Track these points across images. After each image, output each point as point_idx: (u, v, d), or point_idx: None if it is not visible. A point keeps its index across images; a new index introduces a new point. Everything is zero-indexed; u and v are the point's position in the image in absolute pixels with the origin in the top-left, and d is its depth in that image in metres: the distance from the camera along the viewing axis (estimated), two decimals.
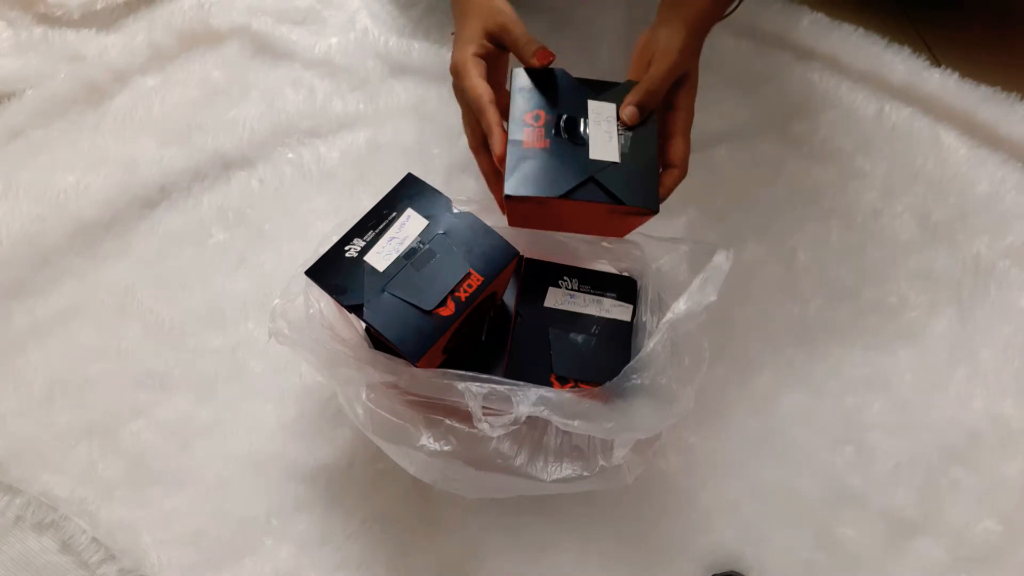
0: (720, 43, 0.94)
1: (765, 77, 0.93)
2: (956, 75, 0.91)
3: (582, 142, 0.63)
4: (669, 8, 0.66)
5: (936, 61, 0.94)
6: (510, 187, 0.61)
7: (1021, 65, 0.95)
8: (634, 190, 0.63)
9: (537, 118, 0.64)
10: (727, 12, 0.73)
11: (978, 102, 0.90)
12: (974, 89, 0.91)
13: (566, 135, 0.63)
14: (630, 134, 0.64)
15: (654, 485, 0.74)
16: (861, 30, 0.94)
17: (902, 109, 0.91)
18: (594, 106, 0.65)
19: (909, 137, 0.89)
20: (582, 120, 0.64)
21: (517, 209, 0.64)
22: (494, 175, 0.68)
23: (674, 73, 0.64)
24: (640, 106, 0.63)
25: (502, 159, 0.62)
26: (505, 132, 0.64)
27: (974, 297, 0.82)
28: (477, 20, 0.66)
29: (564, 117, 0.64)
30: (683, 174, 0.66)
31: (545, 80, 0.66)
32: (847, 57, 0.93)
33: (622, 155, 0.63)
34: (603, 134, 0.64)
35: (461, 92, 0.66)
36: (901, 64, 0.92)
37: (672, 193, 0.66)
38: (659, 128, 0.66)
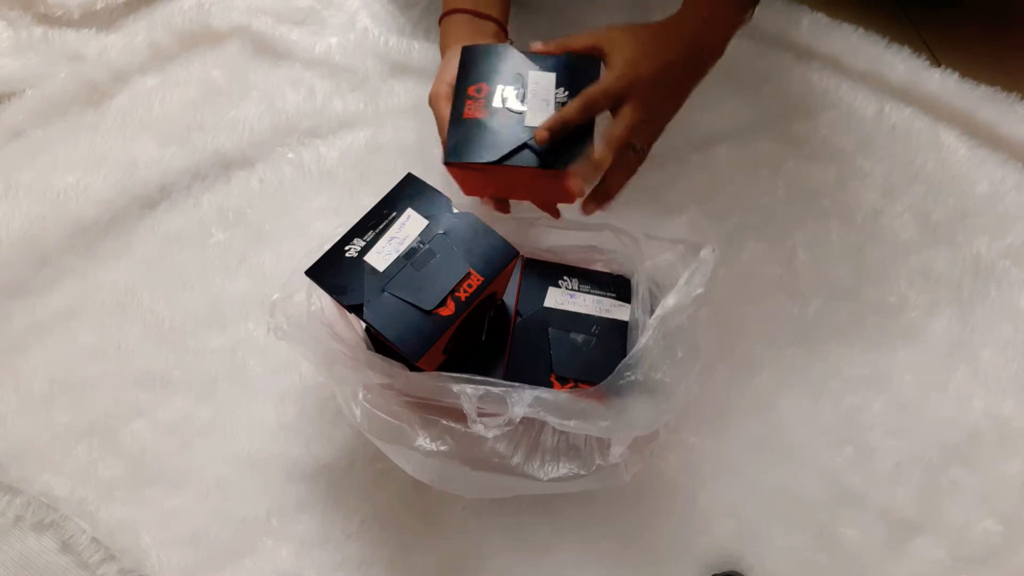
0: None
1: (765, 77, 0.93)
2: (956, 75, 0.91)
3: (519, 111, 0.65)
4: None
5: (936, 61, 0.94)
6: (446, 154, 0.64)
7: (1021, 65, 0.95)
8: (550, 154, 0.64)
9: (479, 90, 0.66)
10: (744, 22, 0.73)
11: (978, 102, 0.89)
12: (974, 89, 0.90)
13: (504, 105, 0.65)
14: (566, 102, 0.65)
15: (654, 485, 0.74)
16: (861, 30, 0.94)
17: (902, 109, 0.90)
18: (534, 76, 0.66)
19: (909, 137, 0.89)
20: (520, 90, 0.66)
21: (462, 177, 0.66)
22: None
23: (600, 103, 0.64)
24: (550, 131, 0.62)
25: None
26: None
27: (974, 297, 0.82)
28: (454, 59, 0.69)
29: (504, 88, 0.66)
30: (642, 160, 0.67)
31: (489, 55, 0.67)
32: (847, 57, 0.92)
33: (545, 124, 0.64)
34: (540, 102, 0.65)
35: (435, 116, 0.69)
36: (901, 64, 0.92)
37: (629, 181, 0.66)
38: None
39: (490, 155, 0.64)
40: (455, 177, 0.67)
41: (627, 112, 0.64)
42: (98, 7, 0.96)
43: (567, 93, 0.66)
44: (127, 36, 0.95)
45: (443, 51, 0.74)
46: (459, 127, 0.65)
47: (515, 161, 0.64)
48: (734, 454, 0.76)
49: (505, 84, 0.66)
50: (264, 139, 0.89)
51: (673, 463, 0.75)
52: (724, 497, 0.75)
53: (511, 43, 0.68)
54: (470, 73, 0.67)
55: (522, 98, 0.66)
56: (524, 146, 0.64)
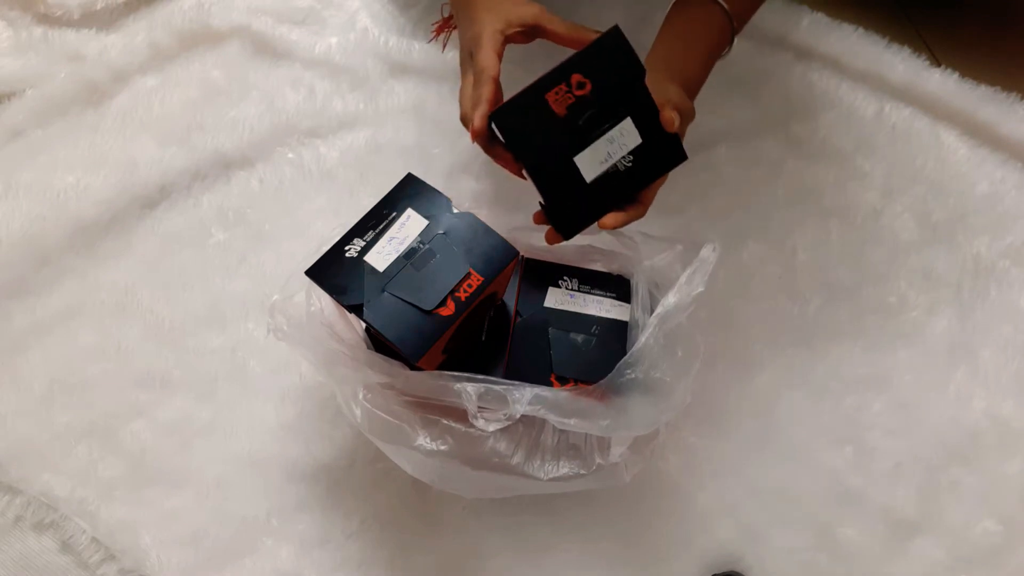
0: None
1: (765, 77, 0.93)
2: (956, 75, 0.91)
3: (585, 141, 0.61)
4: (664, 74, 0.66)
5: (936, 61, 0.94)
6: (498, 116, 0.60)
7: (1021, 65, 0.95)
8: (566, 212, 0.63)
9: (581, 85, 0.60)
10: (722, 55, 0.73)
11: (978, 102, 0.89)
12: (974, 89, 0.90)
13: (582, 122, 0.61)
14: (621, 172, 0.62)
15: (654, 485, 0.74)
16: (861, 30, 0.94)
17: (902, 109, 0.90)
18: (626, 126, 0.61)
19: (909, 137, 0.89)
20: (607, 123, 0.61)
21: (493, 139, 0.63)
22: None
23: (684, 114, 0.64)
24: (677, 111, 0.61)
25: (478, 133, 0.60)
26: (487, 112, 0.61)
27: (974, 297, 0.82)
28: (511, 7, 0.64)
29: (596, 111, 0.60)
30: (641, 214, 0.65)
31: (623, 63, 0.60)
32: (847, 57, 0.92)
33: (595, 181, 0.62)
34: (604, 152, 0.61)
35: (470, 61, 0.64)
36: (901, 64, 0.92)
37: (622, 226, 0.65)
38: None
39: (527, 156, 0.61)
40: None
41: None
42: (98, 7, 0.96)
43: (630, 165, 0.62)
44: (127, 36, 0.95)
45: (478, 6, 0.65)
46: (529, 104, 0.59)
47: (537, 181, 0.62)
48: (734, 454, 0.76)
49: (603, 105, 0.60)
50: (264, 139, 0.89)
51: (673, 463, 0.75)
52: (724, 497, 0.75)
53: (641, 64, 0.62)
54: (592, 60, 0.60)
55: (600, 131, 0.61)
56: (555, 170, 0.61)
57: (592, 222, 0.64)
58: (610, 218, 0.63)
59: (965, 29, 1.00)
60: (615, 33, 0.60)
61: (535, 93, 0.60)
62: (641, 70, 0.60)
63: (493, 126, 0.61)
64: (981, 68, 0.92)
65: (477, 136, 0.60)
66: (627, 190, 0.63)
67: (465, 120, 0.62)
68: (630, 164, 0.62)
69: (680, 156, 0.63)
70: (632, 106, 0.61)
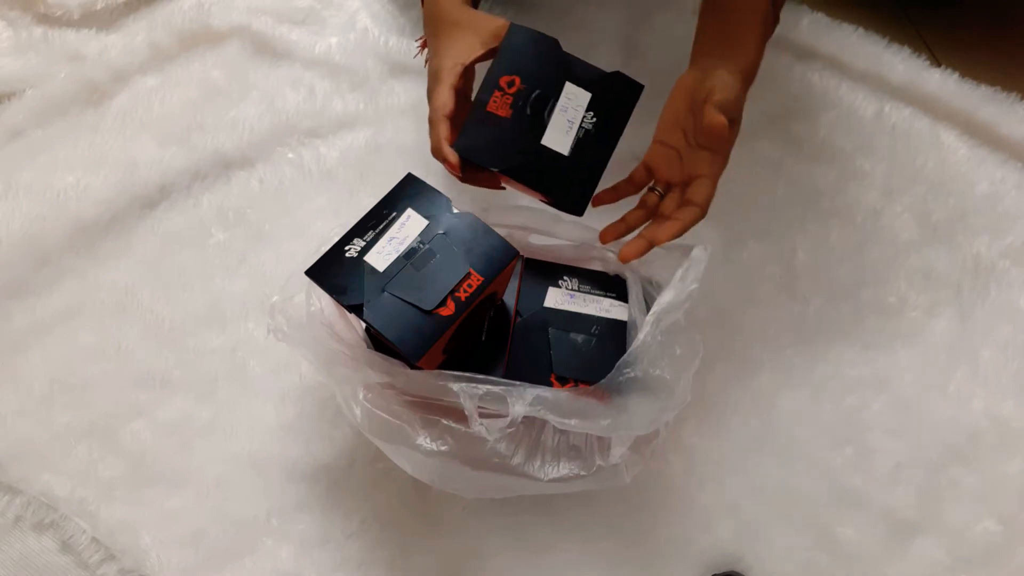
0: None
1: (765, 77, 0.92)
2: (956, 75, 0.91)
3: (542, 123, 0.63)
4: (719, 59, 0.64)
5: (936, 61, 0.94)
6: (459, 147, 0.62)
7: (1021, 65, 0.95)
8: (566, 189, 0.63)
9: (511, 84, 0.63)
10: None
11: (978, 102, 0.90)
12: (974, 89, 0.91)
13: (530, 111, 0.63)
14: (591, 130, 0.63)
15: (654, 485, 0.74)
16: (861, 30, 0.94)
17: (902, 109, 0.90)
18: (569, 90, 0.63)
19: (909, 137, 0.89)
20: (552, 100, 0.63)
21: (466, 166, 0.64)
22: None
23: (731, 112, 0.62)
24: (718, 119, 0.59)
25: (456, 167, 0.62)
26: (451, 143, 0.63)
27: (974, 297, 0.82)
28: (469, 34, 0.65)
29: (536, 93, 0.63)
30: (702, 215, 0.64)
31: (535, 46, 0.64)
32: (847, 57, 0.92)
33: (572, 149, 0.63)
34: (564, 122, 0.63)
35: (430, 96, 0.65)
36: (901, 64, 0.92)
37: (682, 234, 0.64)
38: (692, 168, 0.65)
39: (499, 163, 0.62)
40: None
41: (731, 137, 0.63)
42: (98, 7, 0.96)
43: (594, 120, 0.63)
44: (127, 36, 0.95)
45: (446, 27, 0.66)
46: (478, 121, 0.62)
47: (519, 177, 0.62)
48: (734, 454, 0.76)
49: (540, 87, 0.63)
50: (264, 139, 0.89)
51: (673, 463, 0.75)
52: (724, 497, 0.75)
53: (558, 41, 0.64)
54: (509, 61, 0.63)
55: (550, 110, 0.63)
56: (533, 164, 0.62)
57: (594, 184, 0.64)
58: (663, 232, 0.63)
59: (965, 29, 1.00)
60: (513, 28, 0.63)
61: (479, 112, 0.63)
62: (551, 40, 0.64)
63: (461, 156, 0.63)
64: (981, 68, 0.92)
65: (457, 169, 0.62)
66: (607, 142, 0.64)
67: (436, 157, 0.64)
68: (594, 119, 0.64)
69: (636, 87, 0.65)
70: (562, 71, 0.64)
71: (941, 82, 0.91)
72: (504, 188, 0.67)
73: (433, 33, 0.68)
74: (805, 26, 0.94)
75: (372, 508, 0.74)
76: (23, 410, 0.77)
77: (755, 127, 0.90)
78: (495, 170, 0.63)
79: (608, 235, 0.66)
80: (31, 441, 0.76)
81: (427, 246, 0.61)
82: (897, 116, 0.90)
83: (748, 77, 0.66)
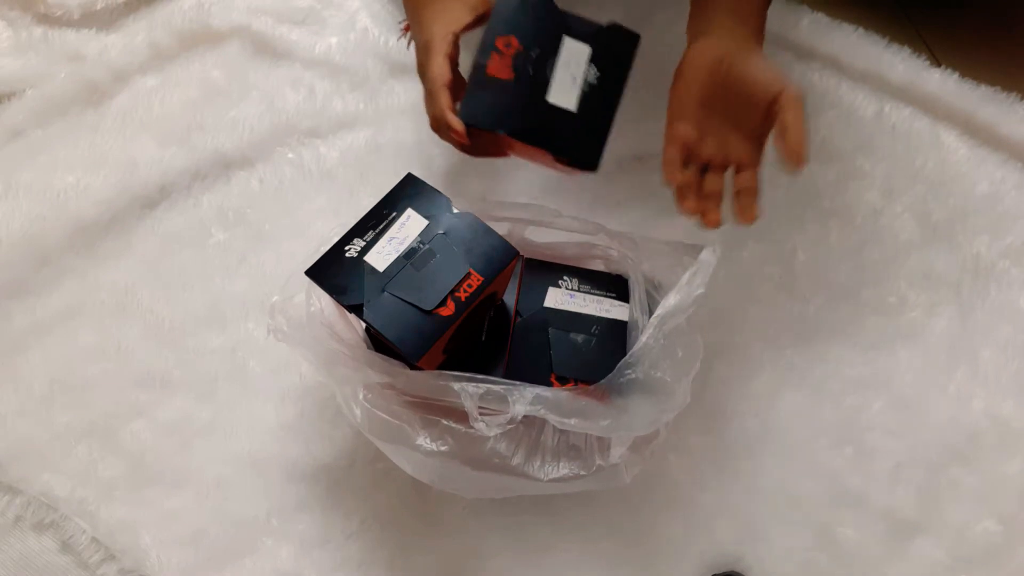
0: None
1: None
2: (956, 75, 0.91)
3: (545, 81, 0.62)
4: (734, 23, 0.63)
5: (936, 61, 0.94)
6: (463, 114, 0.61)
7: (1021, 65, 0.95)
8: (577, 144, 0.62)
9: (508, 45, 0.62)
10: None
11: (978, 102, 0.89)
12: (974, 89, 0.90)
13: (531, 70, 0.62)
14: (595, 84, 0.63)
15: (654, 485, 0.74)
16: (861, 30, 0.94)
17: (902, 109, 0.90)
18: (568, 45, 0.63)
19: (909, 137, 0.89)
20: (551, 58, 0.62)
21: (471, 132, 0.63)
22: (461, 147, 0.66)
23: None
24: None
25: (463, 134, 0.61)
26: (455, 110, 0.62)
27: (974, 297, 0.82)
28: (457, 1, 0.64)
29: (535, 52, 0.62)
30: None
31: (528, 5, 0.63)
32: (847, 57, 0.92)
33: (579, 104, 0.62)
34: (568, 77, 0.62)
35: (423, 70, 0.64)
36: (901, 64, 0.92)
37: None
38: (734, 152, 0.63)
39: (507, 125, 0.61)
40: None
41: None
42: (98, 7, 0.96)
43: (598, 73, 0.62)
44: (127, 36, 0.95)
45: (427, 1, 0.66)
46: (481, 85, 0.61)
47: (527, 138, 0.61)
48: (734, 454, 0.76)
49: (538, 45, 0.62)
50: (264, 139, 0.89)
51: (673, 463, 0.75)
52: (724, 497, 0.75)
53: None
54: (503, 22, 0.62)
55: (551, 67, 0.62)
56: (542, 123, 0.61)
57: (605, 137, 0.63)
58: (747, 217, 0.62)
59: (965, 29, 1.00)
60: None
61: (479, 76, 0.61)
62: None
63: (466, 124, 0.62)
64: (981, 68, 0.92)
65: (464, 137, 0.61)
66: (613, 94, 0.63)
67: (438, 130, 0.63)
68: (599, 72, 0.63)
69: (633, 36, 0.64)
70: (559, 26, 0.63)
71: (941, 82, 0.91)
72: (509, 155, 0.66)
73: (415, 6, 0.67)
74: (805, 26, 0.94)
75: (372, 508, 0.74)
76: (23, 410, 0.77)
77: None
78: (503, 132, 0.62)
79: (689, 209, 0.63)
80: (31, 441, 0.76)
81: (427, 246, 0.61)
82: (897, 116, 0.90)
83: (761, 42, 0.64)
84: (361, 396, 0.61)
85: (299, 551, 0.73)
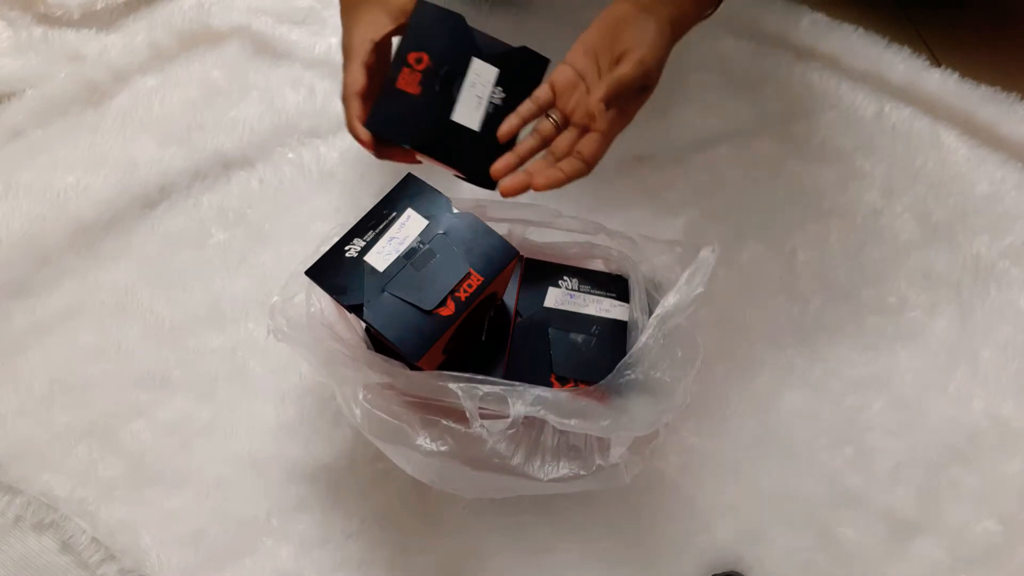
0: (720, 43, 0.94)
1: (765, 77, 0.93)
2: (956, 75, 0.91)
3: (451, 98, 0.64)
4: (657, 11, 0.61)
5: (936, 61, 0.94)
6: (369, 123, 0.62)
7: (1021, 65, 0.95)
8: (476, 164, 0.63)
9: (419, 60, 0.64)
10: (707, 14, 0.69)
11: (978, 102, 0.89)
12: (974, 89, 0.90)
13: (439, 88, 0.63)
14: (499, 104, 0.64)
15: (654, 485, 0.74)
16: (861, 30, 0.94)
17: (902, 109, 0.90)
18: (476, 66, 0.64)
19: (909, 137, 0.89)
20: (459, 77, 0.64)
21: (379, 143, 0.64)
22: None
23: (646, 81, 0.60)
24: (607, 101, 0.58)
25: (369, 145, 0.63)
26: (363, 122, 0.63)
27: (974, 297, 0.82)
28: (379, 6, 0.64)
29: (444, 70, 0.64)
30: (586, 171, 0.60)
31: (442, 23, 0.64)
32: (847, 57, 0.92)
33: (483, 124, 0.64)
34: (473, 98, 0.64)
35: (343, 76, 0.65)
36: (901, 64, 0.92)
37: (563, 186, 0.60)
38: (592, 121, 0.61)
39: (410, 140, 0.63)
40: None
41: (641, 100, 0.61)
42: (98, 7, 0.96)
43: (504, 95, 0.64)
44: (127, 36, 0.95)
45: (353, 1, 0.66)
46: (389, 98, 0.63)
47: (430, 152, 0.63)
48: (734, 454, 0.76)
49: (447, 64, 0.64)
50: (264, 139, 0.89)
51: (673, 463, 0.75)
52: (724, 497, 0.75)
53: (463, 18, 0.65)
54: (417, 38, 0.64)
55: (458, 86, 0.63)
56: (443, 139, 0.63)
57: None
58: (543, 178, 0.59)
59: (965, 29, 1.00)
60: (419, 5, 0.64)
61: (388, 90, 0.63)
62: (457, 16, 0.64)
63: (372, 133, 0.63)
64: (981, 68, 0.92)
65: (370, 147, 0.62)
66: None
67: (351, 133, 0.64)
68: (503, 94, 0.64)
69: (541, 61, 0.65)
70: (469, 47, 0.64)
71: (941, 82, 0.91)
72: (421, 162, 0.67)
73: (344, 9, 0.67)
74: (805, 26, 0.94)
75: (372, 508, 0.74)
76: (23, 410, 0.77)
77: (755, 127, 0.90)
78: (406, 146, 0.63)
79: (501, 169, 0.62)
80: (31, 441, 0.76)
81: (427, 246, 0.61)
82: (897, 116, 0.90)
83: (677, 30, 0.62)
84: (361, 396, 0.61)
85: (299, 551, 0.73)
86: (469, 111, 0.64)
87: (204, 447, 0.76)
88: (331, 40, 0.95)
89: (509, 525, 0.73)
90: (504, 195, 0.60)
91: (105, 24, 0.97)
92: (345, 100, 0.63)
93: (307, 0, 0.97)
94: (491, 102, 0.64)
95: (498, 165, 0.61)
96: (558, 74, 0.62)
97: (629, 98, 0.60)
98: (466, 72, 0.64)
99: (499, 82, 0.64)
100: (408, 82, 0.63)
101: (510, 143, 0.62)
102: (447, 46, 0.64)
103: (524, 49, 0.65)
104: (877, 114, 0.90)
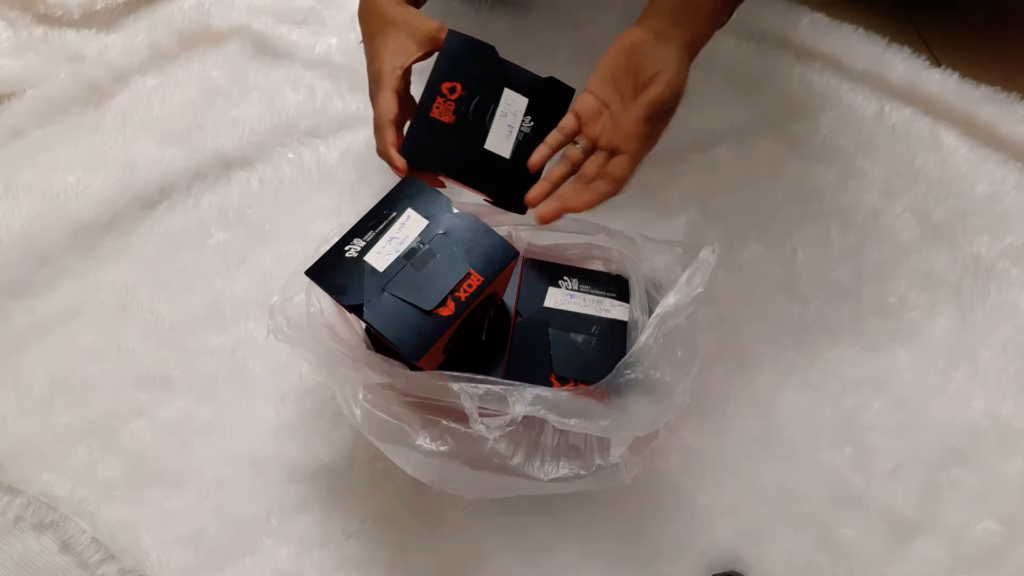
0: (720, 43, 0.94)
1: (765, 77, 0.93)
2: (956, 75, 0.91)
3: (483, 128, 0.65)
4: (671, 23, 0.63)
5: (936, 61, 0.94)
6: (405, 153, 0.64)
7: (1021, 65, 0.95)
8: (508, 191, 0.65)
9: (453, 90, 0.65)
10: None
11: (978, 102, 0.90)
12: (974, 89, 0.91)
13: (472, 117, 0.65)
14: (529, 133, 0.66)
15: (654, 485, 0.74)
16: (861, 30, 0.94)
17: (902, 109, 0.90)
18: (508, 96, 0.66)
19: (909, 137, 0.89)
20: (492, 106, 0.65)
21: (412, 168, 0.65)
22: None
23: (675, 102, 0.62)
24: (645, 122, 0.61)
25: (404, 171, 0.64)
26: (397, 150, 0.64)
27: (974, 297, 0.82)
28: (404, 33, 0.66)
29: (476, 100, 0.65)
30: (616, 191, 0.63)
31: (474, 53, 0.66)
32: (847, 57, 0.92)
33: (514, 152, 0.66)
34: (505, 127, 0.66)
35: (373, 99, 0.66)
36: (901, 64, 0.92)
37: (596, 206, 0.62)
38: (620, 137, 0.63)
39: (444, 168, 0.65)
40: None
41: (665, 121, 0.63)
42: (98, 7, 0.96)
43: (532, 124, 0.66)
44: (127, 36, 0.95)
45: (378, 27, 0.66)
46: (423, 127, 0.65)
47: (463, 180, 0.65)
48: (734, 454, 0.76)
49: (480, 94, 0.66)
50: (264, 139, 0.89)
51: (673, 463, 0.75)
52: (724, 497, 0.75)
53: (494, 48, 0.67)
54: (450, 67, 0.66)
55: (490, 115, 0.65)
56: (477, 168, 0.65)
57: (535, 183, 0.65)
58: (577, 201, 0.62)
59: (965, 29, 1.00)
60: (451, 35, 0.66)
61: (422, 119, 0.65)
62: (488, 47, 0.66)
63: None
64: (981, 68, 0.92)
65: (403, 173, 0.63)
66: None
67: (385, 159, 0.65)
68: (532, 123, 0.67)
69: (567, 90, 0.67)
70: (500, 77, 0.66)
71: (941, 82, 0.91)
72: (445, 186, 0.68)
73: (369, 34, 0.68)
74: (805, 26, 0.94)
75: (372, 508, 0.74)
76: (23, 410, 0.77)
77: (755, 127, 0.90)
78: (441, 174, 0.65)
79: (536, 196, 0.64)
80: (31, 441, 0.76)
81: (427, 246, 0.61)
82: (897, 116, 0.90)
83: (693, 52, 0.65)
84: (361, 396, 0.61)
85: (299, 551, 0.73)
86: (501, 140, 0.66)
87: (204, 447, 0.76)
88: (331, 40, 0.95)
89: (509, 525, 0.73)
90: (542, 222, 0.62)
91: (105, 24, 0.97)
92: (379, 128, 0.64)
93: (307, 0, 0.97)
94: (521, 131, 0.66)
95: (533, 193, 0.64)
96: (581, 103, 0.64)
97: (656, 120, 0.62)
98: (498, 102, 0.66)
99: (528, 111, 0.66)
100: (442, 111, 0.65)
101: (537, 172, 0.65)
102: (480, 76, 0.66)
103: (551, 79, 0.67)
104: (877, 114, 0.90)
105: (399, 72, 0.65)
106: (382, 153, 0.64)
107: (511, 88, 0.66)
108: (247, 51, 0.95)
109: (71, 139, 0.90)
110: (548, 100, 0.67)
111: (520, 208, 0.66)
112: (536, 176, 0.65)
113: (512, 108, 0.66)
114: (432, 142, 0.65)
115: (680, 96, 0.62)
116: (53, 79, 0.92)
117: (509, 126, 0.66)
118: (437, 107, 0.65)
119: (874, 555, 0.73)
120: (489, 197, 0.67)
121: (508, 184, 0.66)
